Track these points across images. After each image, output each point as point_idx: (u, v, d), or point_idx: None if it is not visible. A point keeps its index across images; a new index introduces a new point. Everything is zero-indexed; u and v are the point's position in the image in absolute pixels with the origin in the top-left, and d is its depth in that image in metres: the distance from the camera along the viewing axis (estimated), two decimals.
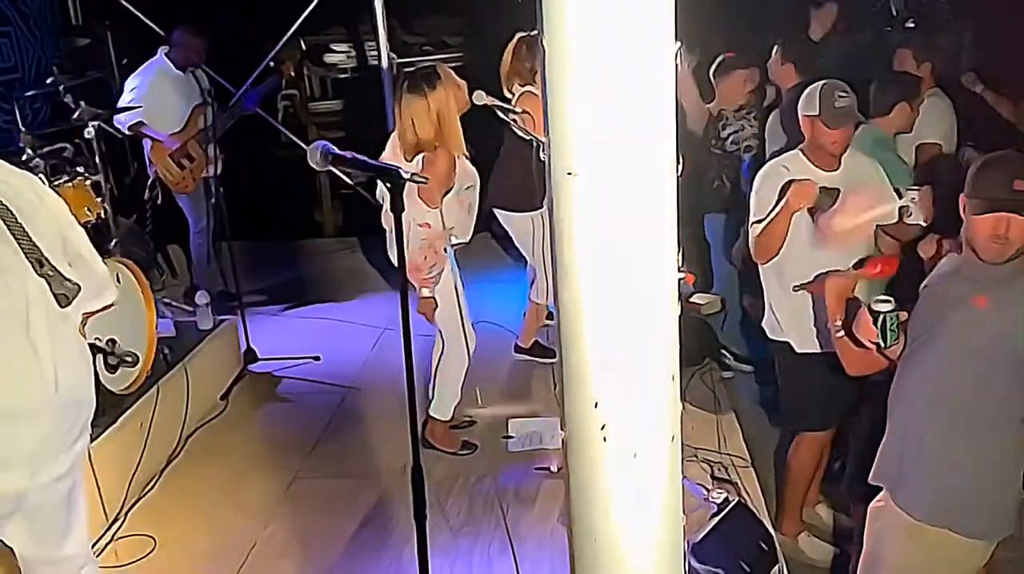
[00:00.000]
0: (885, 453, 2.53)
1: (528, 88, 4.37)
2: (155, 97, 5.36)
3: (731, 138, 4.57)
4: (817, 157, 3.27)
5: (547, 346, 4.88)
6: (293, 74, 5.84)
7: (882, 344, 2.48)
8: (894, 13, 5.68)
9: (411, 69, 3.98)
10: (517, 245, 4.73)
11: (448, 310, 3.78)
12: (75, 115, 4.60)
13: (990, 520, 2.40)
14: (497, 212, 4.64)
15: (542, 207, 4.70)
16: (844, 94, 3.22)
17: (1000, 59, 4.81)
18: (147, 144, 5.43)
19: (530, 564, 3.16)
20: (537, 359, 4.88)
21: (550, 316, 4.97)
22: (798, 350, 3.41)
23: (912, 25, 5.08)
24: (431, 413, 4.00)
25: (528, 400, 4.45)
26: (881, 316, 2.46)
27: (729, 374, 4.80)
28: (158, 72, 5.43)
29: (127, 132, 5.36)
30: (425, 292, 3.63)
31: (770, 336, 3.54)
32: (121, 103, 5.33)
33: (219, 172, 5.43)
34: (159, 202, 5.51)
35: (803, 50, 4.65)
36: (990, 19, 5.05)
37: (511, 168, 4.42)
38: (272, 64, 5.81)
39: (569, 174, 1.36)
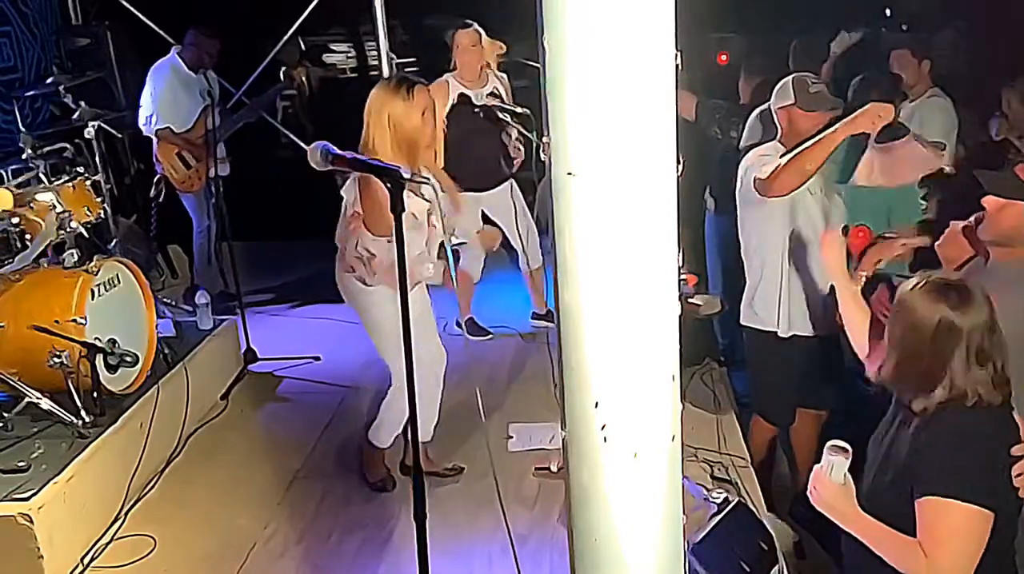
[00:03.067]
0: None
1: None
2: (167, 98, 5.39)
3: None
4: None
5: None
6: (304, 80, 5.81)
7: None
8: (888, 14, 5.70)
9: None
10: (496, 222, 4.75)
11: (389, 338, 3.47)
12: (75, 115, 4.60)
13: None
14: (470, 196, 4.38)
15: (509, 179, 4.73)
16: (815, 81, 3.35)
17: (995, 58, 4.81)
18: (155, 141, 5.45)
19: (530, 564, 3.15)
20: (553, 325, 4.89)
21: (549, 316, 4.97)
22: (781, 335, 3.52)
23: (906, 28, 5.10)
24: (369, 436, 3.75)
25: (528, 399, 4.44)
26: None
27: None
28: (171, 70, 5.46)
29: (154, 137, 5.43)
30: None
31: (744, 323, 3.62)
32: (143, 109, 5.40)
33: (227, 173, 5.45)
34: (160, 199, 5.52)
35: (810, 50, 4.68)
36: (985, 18, 5.05)
37: (470, 152, 4.34)
38: (283, 70, 5.80)
39: (569, 174, 1.36)
